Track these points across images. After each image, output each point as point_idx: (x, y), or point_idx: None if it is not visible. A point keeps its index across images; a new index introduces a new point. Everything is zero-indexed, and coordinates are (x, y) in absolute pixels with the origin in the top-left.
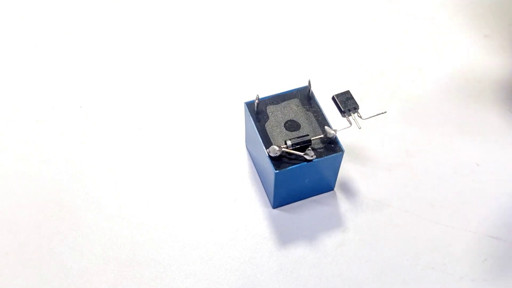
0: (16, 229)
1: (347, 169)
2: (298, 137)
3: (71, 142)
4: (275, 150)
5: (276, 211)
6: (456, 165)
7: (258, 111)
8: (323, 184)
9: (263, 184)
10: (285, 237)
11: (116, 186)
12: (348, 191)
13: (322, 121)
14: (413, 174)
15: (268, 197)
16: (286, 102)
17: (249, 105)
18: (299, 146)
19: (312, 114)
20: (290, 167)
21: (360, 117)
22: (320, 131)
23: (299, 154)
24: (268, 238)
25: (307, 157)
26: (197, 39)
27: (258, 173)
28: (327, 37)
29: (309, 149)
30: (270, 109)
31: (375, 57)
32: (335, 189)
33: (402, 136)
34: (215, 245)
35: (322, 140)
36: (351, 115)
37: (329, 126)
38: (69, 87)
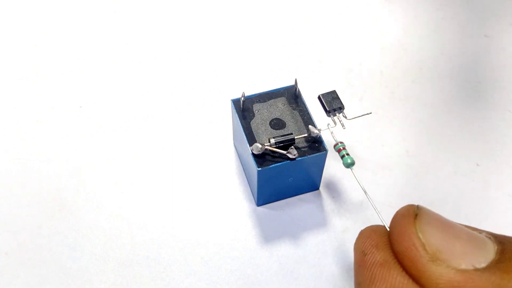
0: (16, 229)
1: (345, 168)
2: (281, 136)
3: (71, 142)
4: (258, 147)
5: (277, 212)
6: (456, 165)
7: (244, 109)
8: (308, 183)
9: (248, 182)
10: (285, 237)
11: (116, 186)
12: (345, 191)
13: (307, 120)
14: (413, 174)
15: (252, 195)
16: (272, 100)
17: (235, 102)
18: (282, 144)
19: (298, 113)
20: (273, 165)
21: (345, 117)
22: (305, 130)
23: (282, 153)
24: (268, 238)
25: (290, 156)
26: (191, 38)
27: (244, 171)
28: (327, 37)
29: (292, 148)
30: (256, 107)
31: (375, 57)
32: (322, 188)
33: (402, 136)
34: (215, 245)
35: (306, 139)
36: (336, 115)
37: (313, 125)
38: (69, 87)
